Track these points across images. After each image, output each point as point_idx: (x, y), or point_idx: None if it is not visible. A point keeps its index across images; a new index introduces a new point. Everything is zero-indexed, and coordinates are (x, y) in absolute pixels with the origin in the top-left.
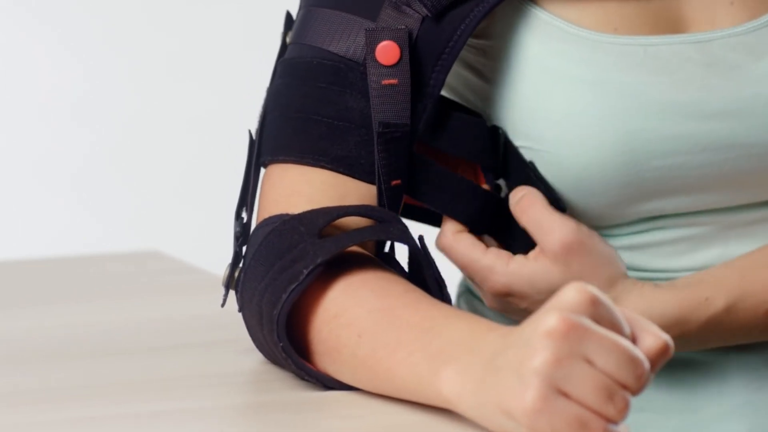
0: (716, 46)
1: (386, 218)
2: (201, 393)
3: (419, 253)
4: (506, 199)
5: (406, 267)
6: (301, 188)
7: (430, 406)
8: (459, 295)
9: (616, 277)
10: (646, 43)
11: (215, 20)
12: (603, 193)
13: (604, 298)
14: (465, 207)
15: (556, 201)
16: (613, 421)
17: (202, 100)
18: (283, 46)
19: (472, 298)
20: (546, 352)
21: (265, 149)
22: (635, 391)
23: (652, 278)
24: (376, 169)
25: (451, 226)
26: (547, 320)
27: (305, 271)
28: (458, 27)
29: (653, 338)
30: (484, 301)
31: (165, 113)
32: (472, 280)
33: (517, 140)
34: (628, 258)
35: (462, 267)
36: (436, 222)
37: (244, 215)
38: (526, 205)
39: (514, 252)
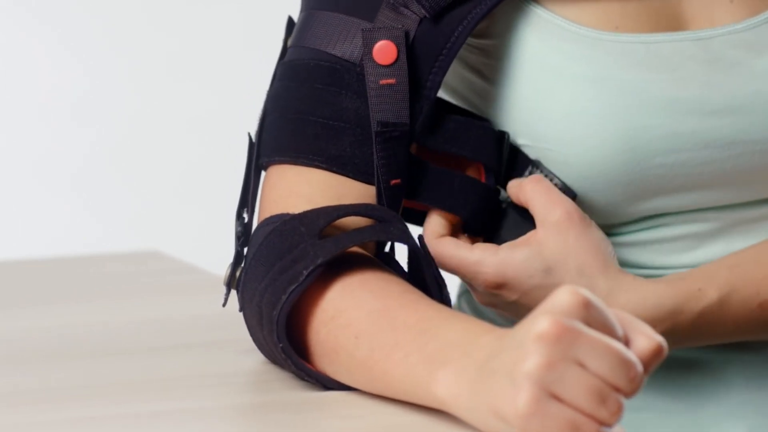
0: (717, 44)
1: (387, 218)
2: (201, 393)
3: (419, 253)
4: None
5: (405, 267)
6: (299, 188)
7: (428, 407)
8: (459, 295)
9: (610, 260)
10: (647, 41)
11: (216, 20)
12: (606, 190)
13: (597, 300)
14: (465, 201)
15: (568, 190)
16: (606, 424)
17: (202, 100)
18: (284, 50)
19: (473, 298)
20: (538, 355)
21: (264, 151)
22: (628, 394)
23: (655, 275)
24: (375, 169)
25: (431, 231)
26: (539, 323)
27: (305, 272)
28: (456, 28)
29: (646, 340)
30: (476, 299)
31: (165, 113)
32: (464, 280)
33: (519, 139)
34: (631, 255)
35: (451, 269)
36: None
37: (245, 215)
38: (528, 182)
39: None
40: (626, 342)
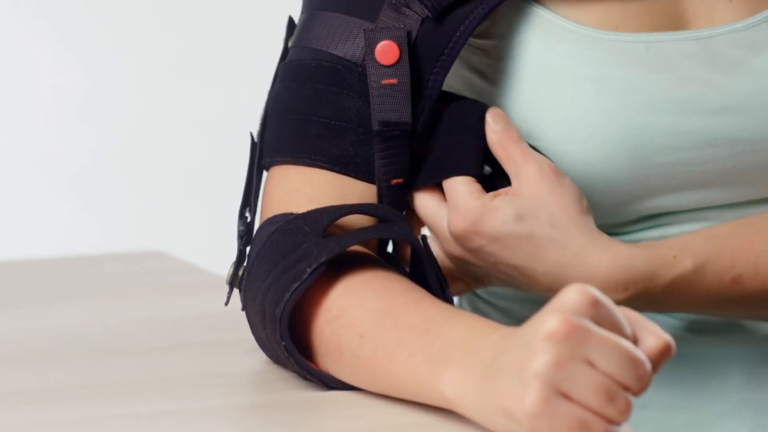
0: (717, 43)
1: (390, 217)
2: (202, 393)
3: (422, 253)
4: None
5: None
6: (301, 188)
7: (432, 407)
8: (461, 295)
9: (584, 217)
10: (647, 40)
11: (217, 20)
12: (607, 190)
13: (606, 299)
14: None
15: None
16: (615, 422)
17: (204, 101)
18: (285, 50)
19: (475, 297)
20: (547, 354)
21: (266, 151)
22: (637, 392)
23: None
24: (375, 168)
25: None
26: (547, 322)
27: (308, 271)
28: (458, 28)
29: (655, 339)
30: (441, 248)
31: (166, 113)
32: (433, 228)
33: None
34: None
35: (426, 216)
36: None
37: (248, 215)
38: (504, 138)
39: None
40: (635, 340)
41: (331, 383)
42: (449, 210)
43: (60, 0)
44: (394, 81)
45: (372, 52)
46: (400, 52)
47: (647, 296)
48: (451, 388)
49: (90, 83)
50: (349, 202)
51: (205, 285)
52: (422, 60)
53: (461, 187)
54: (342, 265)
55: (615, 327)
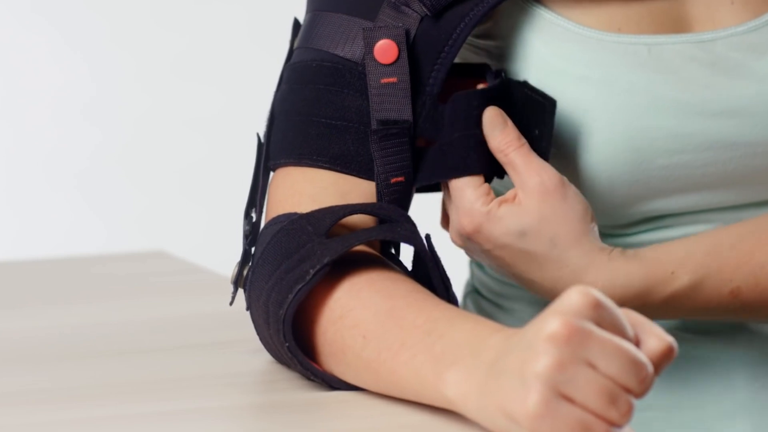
0: (719, 46)
1: (395, 217)
2: (207, 393)
3: (425, 254)
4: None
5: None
6: (304, 188)
7: (435, 407)
8: (466, 295)
9: (586, 234)
10: (650, 43)
11: (222, 20)
12: (609, 192)
13: (608, 301)
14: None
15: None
16: (616, 424)
17: (208, 101)
18: (290, 51)
19: (479, 297)
20: (548, 356)
21: (271, 154)
22: (639, 395)
23: None
24: (375, 167)
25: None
26: (549, 324)
27: (312, 271)
28: (457, 26)
29: (657, 341)
30: (451, 238)
31: (171, 113)
32: (448, 215)
33: None
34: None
35: (454, 200)
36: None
37: (253, 215)
38: (503, 143)
39: None
40: (637, 343)
41: (334, 384)
42: (456, 210)
43: (66, 1)
44: (393, 79)
45: (371, 51)
46: (399, 50)
47: (643, 310)
48: (453, 389)
49: (96, 84)
50: (352, 200)
51: (209, 285)
52: (421, 58)
53: (468, 190)
54: (346, 265)
55: (617, 329)
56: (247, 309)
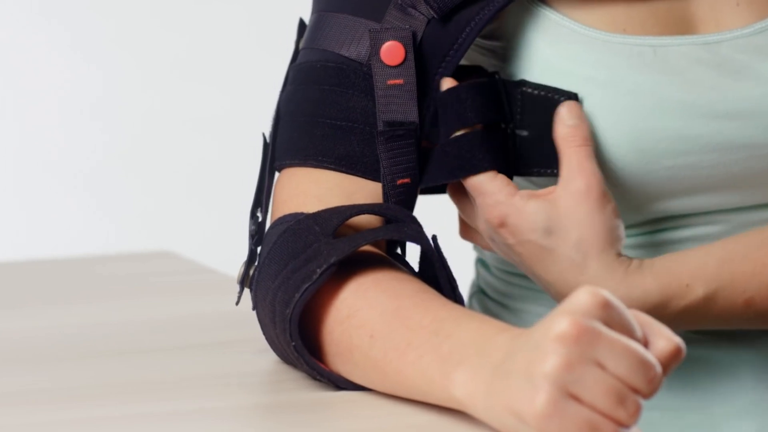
0: (725, 47)
1: (401, 217)
2: (213, 393)
3: (432, 254)
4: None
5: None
6: (310, 189)
7: (442, 407)
8: (471, 296)
9: (611, 246)
10: (655, 44)
11: (227, 21)
12: (613, 193)
13: (616, 301)
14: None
15: None
16: (624, 425)
17: (214, 101)
18: (296, 52)
19: (485, 297)
20: (557, 356)
21: (277, 155)
22: (647, 395)
23: None
24: (381, 168)
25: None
26: (558, 324)
27: (318, 271)
28: (464, 28)
29: (666, 341)
30: (479, 228)
31: (177, 114)
32: (477, 206)
33: None
34: (639, 257)
35: (477, 192)
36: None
37: (259, 214)
38: (570, 135)
39: None
40: (645, 343)
41: (341, 384)
42: (480, 208)
43: (71, 1)
44: (399, 81)
45: (377, 52)
46: (406, 52)
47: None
48: (460, 389)
49: (102, 84)
50: (358, 201)
51: (216, 285)
52: (428, 60)
53: (486, 184)
54: (352, 265)
55: (626, 329)
56: (254, 309)
